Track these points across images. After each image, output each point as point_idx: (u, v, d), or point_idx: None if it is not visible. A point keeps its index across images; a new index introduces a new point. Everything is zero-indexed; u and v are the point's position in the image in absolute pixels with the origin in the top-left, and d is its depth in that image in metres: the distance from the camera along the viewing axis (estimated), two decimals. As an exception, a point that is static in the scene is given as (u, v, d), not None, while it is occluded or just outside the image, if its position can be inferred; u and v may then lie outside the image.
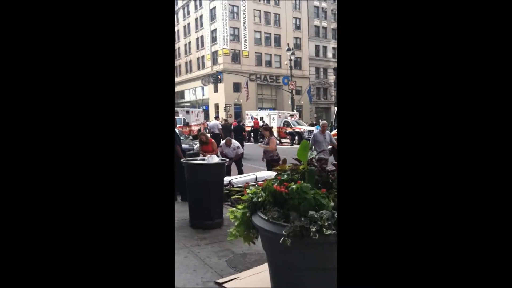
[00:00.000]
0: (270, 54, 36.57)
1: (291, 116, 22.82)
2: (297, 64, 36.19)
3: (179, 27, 42.72)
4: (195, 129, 19.72)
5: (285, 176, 2.39)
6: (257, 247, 2.73)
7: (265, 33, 36.10)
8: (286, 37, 36.27)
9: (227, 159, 5.12)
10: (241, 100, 33.16)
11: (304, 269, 2.09)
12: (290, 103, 28.33)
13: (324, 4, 38.88)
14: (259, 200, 2.35)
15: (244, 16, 34.58)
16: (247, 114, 25.04)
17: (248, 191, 2.51)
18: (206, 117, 28.40)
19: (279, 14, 36.54)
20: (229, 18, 34.00)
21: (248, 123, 22.06)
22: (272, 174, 4.15)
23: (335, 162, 2.62)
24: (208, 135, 8.36)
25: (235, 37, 34.66)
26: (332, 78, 39.95)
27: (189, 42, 40.81)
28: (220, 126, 14.84)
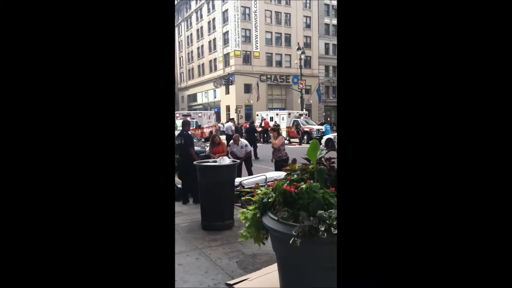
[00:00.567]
0: (281, 54, 36.53)
1: (301, 115, 22.72)
2: (307, 63, 36.03)
3: (192, 30, 43.17)
4: (207, 131, 19.86)
5: (295, 176, 2.38)
6: (266, 248, 2.72)
7: (276, 33, 36.09)
8: (297, 36, 36.17)
9: (238, 160, 5.11)
10: (251, 101, 33.20)
11: (314, 269, 2.07)
12: (299, 102, 28.20)
13: (334, 2, 38.58)
14: (269, 200, 2.34)
15: (256, 17, 34.65)
16: (257, 115, 25.05)
17: (258, 191, 2.50)
18: (218, 119, 28.53)
19: (289, 14, 36.48)
20: (240, 20, 34.13)
21: (258, 123, 22.05)
22: (282, 174, 4.13)
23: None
24: (223, 137, 8.36)
25: (247, 38, 34.75)
26: (342, 76, 39.45)
27: (202, 46, 41.13)
28: (234, 128, 14.93)
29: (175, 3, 43.05)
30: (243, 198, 4.95)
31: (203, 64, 41.15)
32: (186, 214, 4.87)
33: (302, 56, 27.70)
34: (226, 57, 35.98)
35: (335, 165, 2.43)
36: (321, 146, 14.07)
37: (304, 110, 27.04)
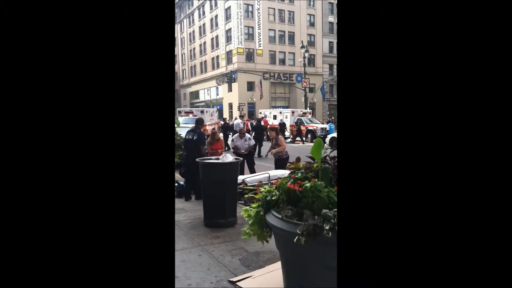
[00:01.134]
0: (284, 52, 36.44)
1: (304, 114, 22.67)
2: (311, 61, 35.94)
3: (194, 27, 43.12)
4: (209, 128, 19.84)
5: (299, 174, 2.37)
6: (270, 246, 2.72)
7: (279, 31, 35.98)
8: (300, 34, 36.06)
9: (241, 158, 5.10)
10: (254, 99, 33.16)
11: (317, 267, 2.06)
12: (303, 100, 28.15)
13: (338, 1, 38.41)
14: (273, 198, 2.34)
15: (259, 14, 34.55)
16: (260, 113, 25.02)
17: (262, 189, 2.50)
18: (220, 116, 28.53)
19: (293, 12, 36.35)
20: (243, 17, 34.04)
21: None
22: (285, 172, 4.13)
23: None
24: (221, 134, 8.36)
25: (250, 36, 34.68)
26: (346, 75, 39.32)
27: (204, 43, 41.08)
28: (242, 126, 14.97)
29: (177, 0, 43.02)
30: (246, 196, 4.95)
31: (205, 61, 41.10)
32: (188, 211, 4.88)
33: (306, 55, 27.64)
34: (229, 54, 35.92)
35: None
36: (325, 144, 14.05)
37: (308, 108, 27.00)
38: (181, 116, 19.42)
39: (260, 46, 34.93)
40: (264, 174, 5.69)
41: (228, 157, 4.44)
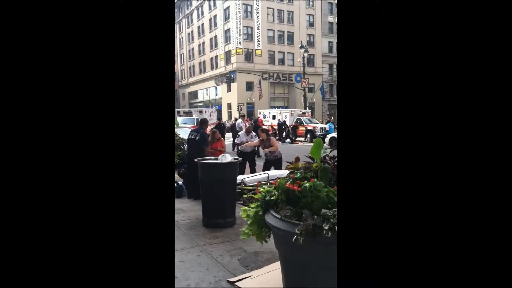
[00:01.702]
0: (283, 52, 36.45)
1: (303, 113, 22.68)
2: (310, 61, 35.96)
3: (193, 28, 43.11)
4: (208, 128, 19.81)
5: (298, 174, 2.36)
6: (269, 246, 2.71)
7: (278, 31, 35.99)
8: (299, 34, 36.08)
9: (240, 158, 5.09)
10: (253, 99, 33.16)
11: (317, 267, 2.05)
12: (302, 100, 28.15)
13: (337, 1, 38.45)
14: (272, 198, 2.33)
15: (258, 14, 34.55)
16: (260, 113, 25.03)
17: (261, 189, 2.49)
18: (219, 116, 28.53)
19: (292, 12, 36.37)
20: (242, 18, 34.05)
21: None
22: (284, 172, 4.12)
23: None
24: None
25: (249, 36, 34.68)
26: (345, 75, 39.35)
27: (203, 43, 41.08)
28: (242, 125, 14.98)
29: (176, 0, 42.99)
30: (245, 196, 4.94)
31: (204, 62, 41.10)
32: (187, 211, 4.86)
33: (305, 54, 27.64)
34: (228, 54, 35.92)
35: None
36: (325, 144, 14.00)
37: (307, 108, 27.01)
38: (180, 116, 19.41)
39: (259, 46, 34.93)
40: (263, 174, 5.69)
41: (227, 157, 4.43)
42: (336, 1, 38.19)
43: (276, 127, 20.10)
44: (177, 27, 47.24)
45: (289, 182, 2.30)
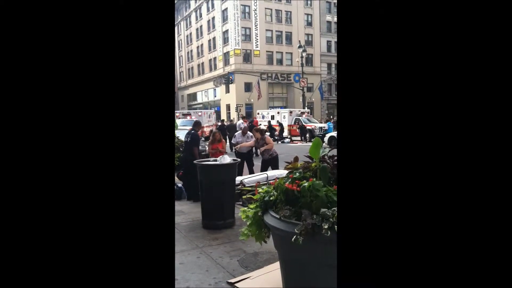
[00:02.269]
0: (281, 52, 36.45)
1: (302, 113, 22.68)
2: (309, 60, 35.96)
3: (191, 29, 43.13)
4: (207, 130, 19.81)
5: (297, 174, 2.35)
6: (268, 246, 2.69)
7: (276, 31, 36.00)
8: (298, 34, 36.08)
9: (238, 159, 5.07)
10: (252, 100, 33.16)
11: (316, 267, 2.04)
12: (301, 100, 28.15)
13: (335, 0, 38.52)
14: (271, 199, 2.32)
15: (256, 15, 34.57)
16: (258, 113, 25.02)
17: (260, 190, 2.47)
18: (218, 118, 28.52)
19: (290, 12, 36.38)
20: (240, 19, 34.06)
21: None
22: (283, 173, 4.11)
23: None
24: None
25: (247, 37, 34.69)
26: (344, 74, 39.36)
27: (201, 45, 41.08)
28: (242, 126, 14.98)
29: (175, 2, 43.02)
30: (244, 196, 4.92)
31: (202, 63, 41.10)
32: (187, 213, 4.85)
33: (304, 54, 27.64)
34: (226, 56, 35.93)
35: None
36: (324, 143, 14.01)
37: (306, 108, 27.00)
38: (179, 118, 19.40)
39: (258, 47, 34.93)
40: (262, 175, 5.67)
41: (226, 159, 4.42)
42: (334, 0, 38.29)
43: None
44: (175, 29, 47.26)
45: (288, 182, 2.29)
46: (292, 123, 21.31)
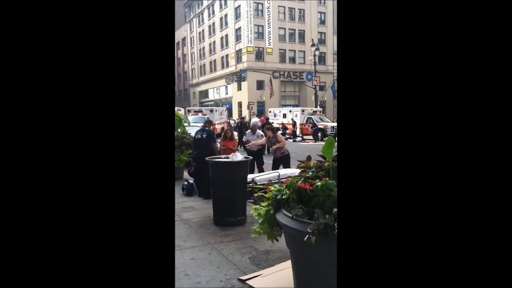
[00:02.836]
0: (294, 51, 36.28)
1: (315, 112, 22.55)
2: (321, 59, 35.70)
3: (204, 27, 43.26)
4: (218, 127, 19.91)
5: (310, 173, 2.35)
6: (280, 245, 2.70)
7: (289, 29, 35.85)
8: (311, 32, 35.85)
9: (250, 157, 5.09)
10: (264, 98, 33.13)
11: (328, 267, 2.04)
12: (313, 99, 27.98)
13: (349, -2, 38.08)
14: (283, 197, 2.32)
15: (269, 13, 34.47)
16: (270, 112, 24.98)
17: (272, 188, 2.48)
18: (230, 115, 28.59)
19: (303, 10, 36.16)
20: (253, 16, 34.02)
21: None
22: (295, 171, 4.10)
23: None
24: (235, 132, 8.42)
25: (259, 35, 34.63)
26: (357, 73, 39.02)
27: (214, 42, 41.18)
28: (259, 124, 14.99)
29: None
30: (255, 194, 4.94)
31: (215, 60, 41.20)
32: (197, 209, 4.89)
33: (316, 53, 27.44)
34: (238, 53, 35.94)
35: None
36: (336, 143, 13.96)
37: (318, 107, 26.82)
38: (191, 115, 19.52)
39: (270, 45, 34.84)
40: (274, 173, 5.67)
41: (238, 156, 4.43)
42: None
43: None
44: (188, 26, 47.50)
45: (300, 181, 2.29)
46: (304, 122, 21.21)
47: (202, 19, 43.76)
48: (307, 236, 1.91)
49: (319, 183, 2.12)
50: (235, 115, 33.82)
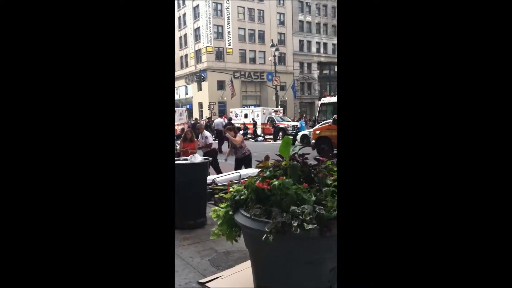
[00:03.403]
0: (254, 51, 36.50)
1: (275, 112, 22.84)
2: (281, 59, 36.22)
3: (161, 25, 42.17)
4: (178, 128, 19.48)
5: (267, 172, 2.35)
6: (240, 245, 2.68)
7: (249, 29, 35.99)
8: (270, 33, 36.25)
9: (210, 158, 5.03)
10: (225, 98, 33.00)
11: (287, 264, 2.06)
12: (274, 99, 28.34)
13: (307, -1, 39.09)
14: (242, 198, 2.31)
15: (228, 13, 34.37)
16: (231, 112, 24.94)
17: (231, 189, 2.46)
18: (190, 116, 28.13)
19: (263, 10, 36.48)
20: (212, 16, 33.75)
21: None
22: (255, 171, 4.11)
23: (318, 157, 2.59)
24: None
25: (219, 35, 34.42)
26: (316, 72, 40.18)
27: (172, 41, 40.30)
28: (224, 124, 14.80)
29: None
30: (216, 196, 4.89)
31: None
32: (157, 213, 4.75)
33: (276, 53, 27.82)
34: (198, 53, 35.51)
35: (308, 161, 2.43)
36: (297, 142, 14.16)
37: (279, 106, 27.20)
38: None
39: (230, 45, 34.77)
40: (235, 173, 5.65)
41: (197, 158, 4.36)
42: (306, 0, 38.77)
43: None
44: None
45: (258, 181, 2.29)
46: (266, 122, 21.41)
47: (160, 17, 42.66)
48: (265, 235, 1.91)
49: (276, 182, 2.13)
50: (196, 116, 33.36)
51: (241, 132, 11.15)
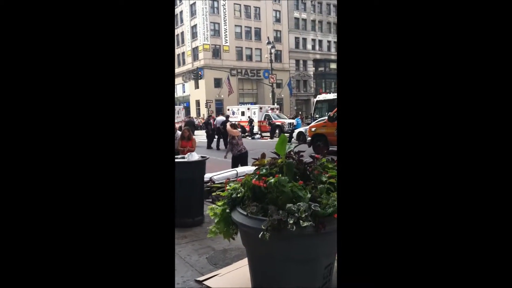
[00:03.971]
0: (251, 48, 36.43)
1: (272, 109, 22.85)
2: (278, 57, 36.20)
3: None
4: (176, 126, 19.41)
5: (264, 170, 2.37)
6: (237, 243, 2.70)
7: (245, 27, 35.91)
8: (267, 30, 36.19)
9: (207, 156, 5.03)
10: (222, 96, 32.95)
11: (283, 262, 2.08)
12: (271, 96, 28.33)
13: (303, -4, 39.04)
14: (239, 195, 2.32)
15: (224, 11, 34.26)
16: (228, 109, 24.91)
17: (228, 187, 2.47)
18: (187, 113, 28.06)
19: (259, 8, 36.40)
20: (209, 14, 33.62)
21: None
22: (252, 169, 4.13)
23: (313, 154, 2.61)
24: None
25: (216, 32, 34.32)
26: (311, 70, 40.18)
27: (169, 38, 40.15)
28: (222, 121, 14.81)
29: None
30: (213, 193, 4.90)
31: (171, 58, 40.21)
32: (155, 212, 4.75)
33: (273, 50, 27.77)
34: (195, 51, 35.40)
35: (304, 158, 2.45)
36: (293, 139, 14.10)
37: (276, 104, 27.20)
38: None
39: (227, 42, 34.68)
40: (231, 171, 5.67)
41: (194, 156, 4.37)
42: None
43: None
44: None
45: (255, 179, 2.31)
46: (262, 119, 21.41)
47: (156, 15, 42.45)
48: (261, 233, 1.92)
49: (272, 180, 2.15)
50: (193, 114, 33.30)
51: (238, 129, 11.20)
